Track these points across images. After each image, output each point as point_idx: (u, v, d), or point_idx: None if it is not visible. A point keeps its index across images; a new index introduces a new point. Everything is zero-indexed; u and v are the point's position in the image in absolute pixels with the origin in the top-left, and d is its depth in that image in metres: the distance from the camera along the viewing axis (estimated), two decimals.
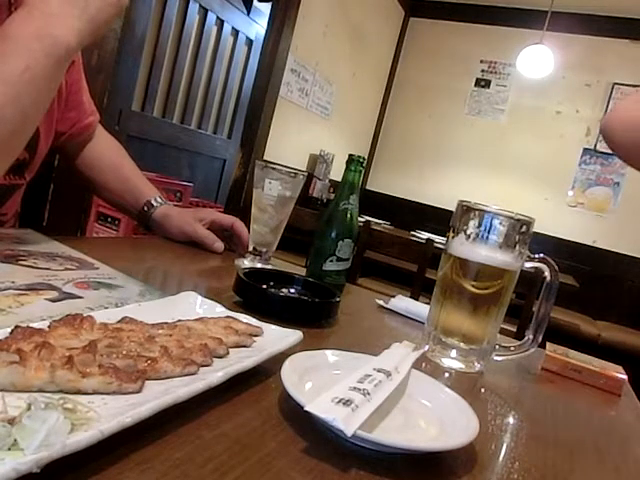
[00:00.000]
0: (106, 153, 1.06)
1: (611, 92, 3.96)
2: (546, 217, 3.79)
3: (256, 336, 0.53)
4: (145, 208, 1.01)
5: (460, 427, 0.43)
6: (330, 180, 3.94)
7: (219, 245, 1.00)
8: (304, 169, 3.63)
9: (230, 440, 0.37)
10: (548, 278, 0.67)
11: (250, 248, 0.93)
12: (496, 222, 0.65)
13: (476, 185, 4.25)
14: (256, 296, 0.69)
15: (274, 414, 0.42)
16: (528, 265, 0.67)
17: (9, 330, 0.39)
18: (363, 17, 3.93)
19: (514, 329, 2.19)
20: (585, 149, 4.03)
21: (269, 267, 0.90)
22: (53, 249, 0.73)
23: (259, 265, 0.90)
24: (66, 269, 0.65)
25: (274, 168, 0.91)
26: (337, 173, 3.72)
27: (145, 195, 1.02)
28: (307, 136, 3.69)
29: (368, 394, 0.41)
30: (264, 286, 0.73)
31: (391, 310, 0.87)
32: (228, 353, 0.47)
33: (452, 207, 0.69)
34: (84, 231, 2.37)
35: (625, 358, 2.86)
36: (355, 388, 0.42)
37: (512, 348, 0.69)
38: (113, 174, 1.05)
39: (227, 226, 1.05)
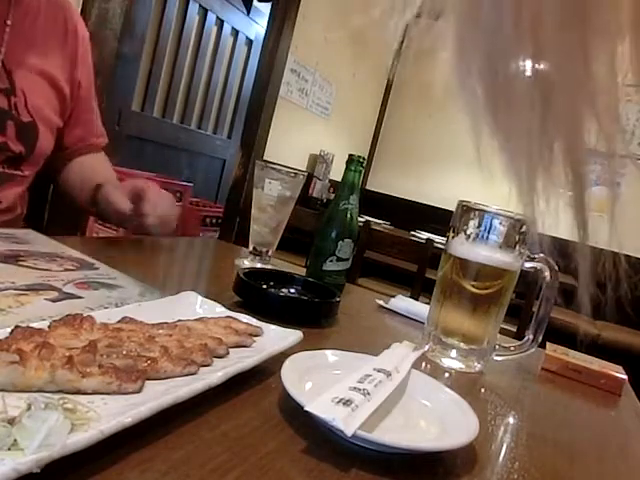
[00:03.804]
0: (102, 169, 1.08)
1: None
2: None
3: (256, 336, 0.53)
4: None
5: (460, 427, 0.43)
6: (330, 180, 3.94)
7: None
8: (304, 169, 3.63)
9: (230, 440, 0.37)
10: (548, 278, 0.67)
11: (250, 248, 0.93)
12: (496, 222, 0.65)
13: (476, 185, 4.25)
14: (256, 296, 0.69)
15: (274, 414, 0.42)
16: (528, 265, 0.67)
17: (9, 330, 0.39)
18: (363, 17, 3.92)
19: (514, 329, 2.19)
20: None
21: (269, 267, 0.90)
22: (53, 249, 0.73)
23: (259, 265, 0.90)
24: (66, 269, 0.65)
25: (274, 168, 0.91)
26: (337, 173, 3.72)
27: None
28: (307, 136, 3.69)
29: (368, 394, 0.41)
30: (264, 286, 0.73)
31: (391, 310, 0.87)
32: (228, 353, 0.47)
33: (452, 207, 0.69)
34: (84, 231, 2.37)
35: (625, 358, 2.85)
36: (355, 388, 0.42)
37: (512, 348, 0.69)
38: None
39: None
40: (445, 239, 0.69)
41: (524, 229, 0.65)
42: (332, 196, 3.68)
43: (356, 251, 0.88)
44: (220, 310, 0.58)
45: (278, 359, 0.46)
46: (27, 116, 0.89)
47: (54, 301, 0.54)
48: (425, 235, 2.94)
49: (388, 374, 0.46)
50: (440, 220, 2.23)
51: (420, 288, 2.32)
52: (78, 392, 0.35)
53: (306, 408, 0.38)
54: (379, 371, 0.46)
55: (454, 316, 0.68)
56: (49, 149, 0.98)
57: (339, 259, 0.86)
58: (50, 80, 0.94)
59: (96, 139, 1.08)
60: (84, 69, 1.03)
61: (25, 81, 0.88)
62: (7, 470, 0.25)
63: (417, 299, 1.91)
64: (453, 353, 0.67)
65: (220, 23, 3.73)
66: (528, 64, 0.20)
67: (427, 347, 0.68)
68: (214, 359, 0.45)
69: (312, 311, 0.69)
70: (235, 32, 3.93)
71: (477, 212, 0.66)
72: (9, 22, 0.85)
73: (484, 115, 0.22)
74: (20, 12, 0.88)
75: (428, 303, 0.73)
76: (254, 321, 0.55)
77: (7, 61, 0.85)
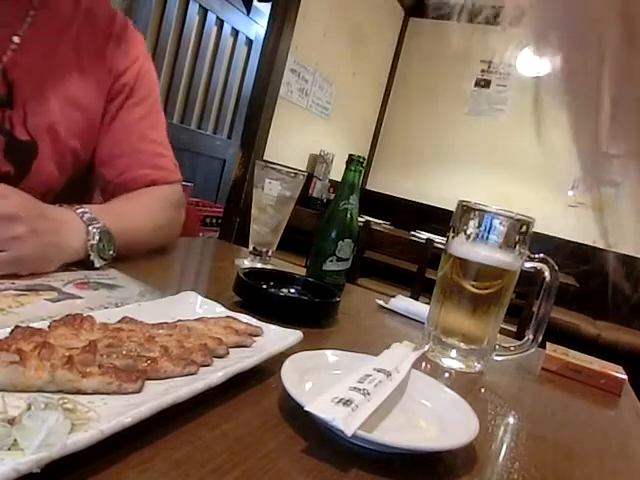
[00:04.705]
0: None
1: None
2: (546, 217, 3.79)
3: (256, 336, 0.53)
4: None
5: (460, 427, 0.43)
6: (330, 180, 3.94)
7: None
8: (304, 169, 3.63)
9: (230, 440, 0.37)
10: (548, 278, 0.67)
11: (250, 248, 0.93)
12: (496, 222, 0.65)
13: (476, 185, 4.25)
14: (256, 296, 0.69)
15: (274, 414, 0.42)
16: (528, 265, 0.67)
17: (9, 330, 0.39)
18: (363, 17, 3.93)
19: (514, 329, 2.19)
20: None
21: (269, 267, 0.90)
22: None
23: (259, 265, 0.90)
24: (66, 269, 0.65)
25: (274, 168, 0.91)
26: (337, 173, 3.72)
27: None
28: (307, 136, 3.69)
29: (368, 394, 0.41)
30: (264, 286, 0.73)
31: (391, 310, 0.87)
32: (228, 353, 0.47)
33: (452, 207, 0.69)
34: None
35: (625, 358, 2.84)
36: (355, 388, 0.42)
37: (512, 348, 0.69)
38: None
39: None
40: (445, 239, 0.69)
41: (524, 229, 0.65)
42: (332, 196, 3.68)
43: (356, 251, 0.88)
44: (220, 310, 0.58)
45: (278, 359, 0.46)
46: (24, 134, 0.79)
47: (54, 301, 0.54)
48: (425, 235, 2.94)
49: (388, 374, 0.46)
50: (440, 220, 2.23)
51: (420, 288, 2.32)
52: (78, 392, 0.35)
53: (306, 408, 0.38)
54: (379, 371, 0.46)
55: (454, 316, 0.68)
56: (54, 180, 0.84)
57: (339, 259, 0.86)
58: (74, 102, 0.83)
59: (142, 170, 0.88)
60: (120, 88, 0.89)
61: (31, 97, 0.78)
62: (7, 470, 0.25)
63: (417, 299, 1.90)
64: (453, 353, 0.67)
65: (220, 23, 3.74)
66: (611, 45, 0.19)
67: (427, 347, 0.68)
68: (214, 359, 0.45)
69: (312, 311, 0.69)
70: (235, 32, 3.94)
71: (477, 212, 0.66)
72: (20, 33, 0.77)
73: (559, 94, 0.22)
74: (43, 20, 0.79)
75: (428, 303, 0.73)
76: (254, 321, 0.55)
77: (10, 71, 0.77)
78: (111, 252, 0.70)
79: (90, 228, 0.67)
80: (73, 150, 0.85)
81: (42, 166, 0.82)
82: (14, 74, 0.77)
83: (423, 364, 0.64)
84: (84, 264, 0.67)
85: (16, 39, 0.77)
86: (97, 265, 0.68)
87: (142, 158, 0.89)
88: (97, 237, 0.67)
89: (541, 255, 0.67)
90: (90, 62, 0.85)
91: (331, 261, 0.85)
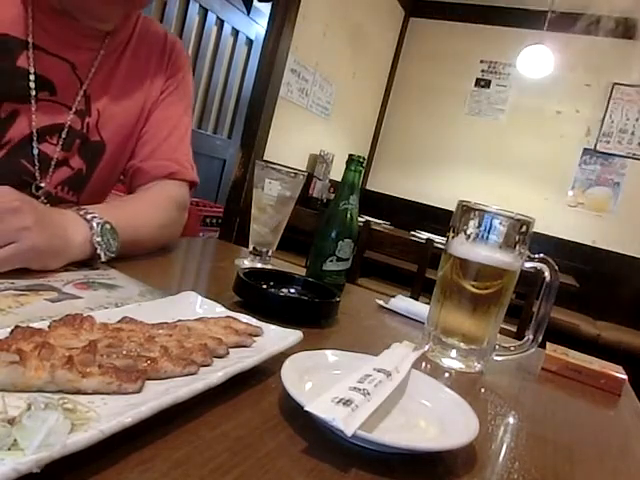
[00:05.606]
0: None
1: (611, 92, 3.95)
2: (546, 217, 3.79)
3: (256, 336, 0.53)
4: None
5: (460, 427, 0.43)
6: (330, 180, 3.94)
7: None
8: (304, 169, 3.63)
9: (230, 440, 0.37)
10: (548, 278, 0.67)
11: (250, 248, 0.93)
12: (496, 222, 0.65)
13: (476, 185, 4.25)
14: (256, 296, 0.69)
15: (274, 414, 0.42)
16: (528, 265, 0.67)
17: (9, 330, 0.39)
18: (363, 17, 3.93)
19: (514, 329, 2.19)
20: (585, 149, 4.02)
21: (269, 267, 0.90)
22: None
23: (259, 265, 0.90)
24: (66, 269, 0.65)
25: (274, 168, 0.91)
26: (337, 173, 3.72)
27: None
28: (307, 136, 3.69)
29: (368, 394, 0.41)
30: (264, 286, 0.73)
31: (391, 310, 0.87)
32: (228, 353, 0.47)
33: (452, 207, 0.69)
34: None
35: (625, 358, 2.86)
36: (355, 388, 0.42)
37: (512, 348, 0.69)
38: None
39: None
40: (445, 239, 0.69)
41: (524, 229, 0.65)
42: (332, 196, 3.68)
43: (356, 251, 0.88)
44: (220, 310, 0.58)
45: (278, 359, 0.46)
46: (96, 135, 0.89)
47: (54, 301, 0.54)
48: (425, 235, 2.94)
49: (388, 374, 0.46)
50: (440, 220, 2.23)
51: (420, 288, 2.32)
52: (78, 392, 0.35)
53: (306, 408, 0.38)
54: (379, 371, 0.46)
55: (454, 316, 0.68)
56: (108, 176, 0.93)
57: (339, 259, 0.86)
58: (134, 109, 0.93)
59: (161, 161, 0.94)
60: (164, 94, 0.98)
61: (102, 103, 0.89)
62: (7, 470, 0.25)
63: (417, 299, 1.91)
64: (453, 353, 0.67)
65: (220, 23, 3.74)
66: None
67: (427, 347, 0.68)
68: (214, 359, 0.45)
69: (312, 311, 0.69)
70: (235, 32, 3.94)
71: (477, 212, 0.66)
72: (99, 56, 0.88)
73: None
74: (113, 44, 0.90)
75: (428, 303, 0.73)
76: (254, 321, 0.55)
77: (88, 87, 0.87)
78: (116, 246, 0.71)
79: (93, 223, 0.69)
80: (128, 153, 0.95)
81: (106, 165, 0.91)
82: (91, 89, 0.87)
83: (423, 364, 0.64)
84: (90, 259, 0.68)
85: (96, 63, 0.88)
86: (103, 259, 0.69)
87: (166, 150, 0.95)
88: (100, 231, 0.69)
89: (541, 255, 0.67)
90: (147, 74, 0.95)
91: (331, 261, 0.85)
